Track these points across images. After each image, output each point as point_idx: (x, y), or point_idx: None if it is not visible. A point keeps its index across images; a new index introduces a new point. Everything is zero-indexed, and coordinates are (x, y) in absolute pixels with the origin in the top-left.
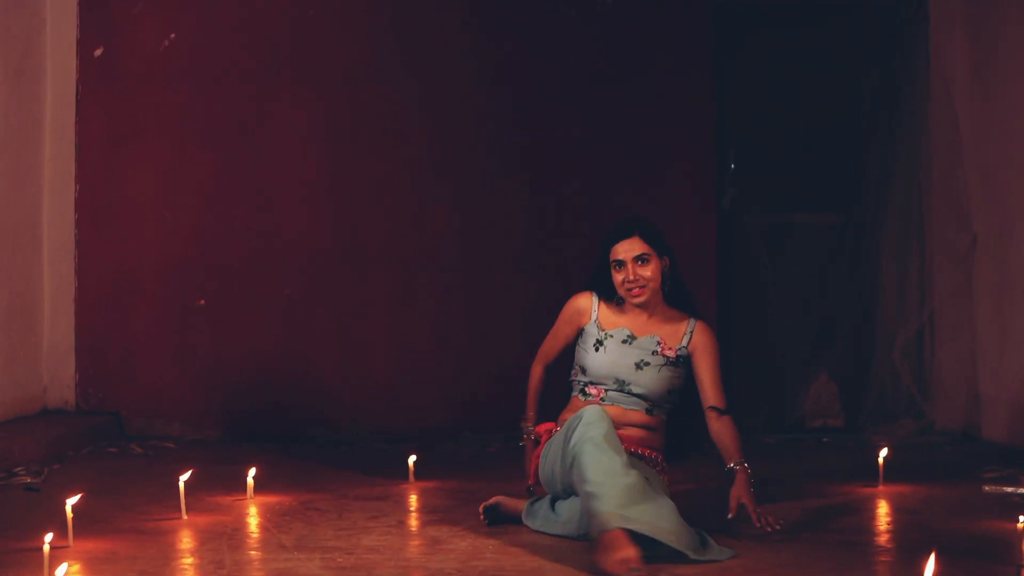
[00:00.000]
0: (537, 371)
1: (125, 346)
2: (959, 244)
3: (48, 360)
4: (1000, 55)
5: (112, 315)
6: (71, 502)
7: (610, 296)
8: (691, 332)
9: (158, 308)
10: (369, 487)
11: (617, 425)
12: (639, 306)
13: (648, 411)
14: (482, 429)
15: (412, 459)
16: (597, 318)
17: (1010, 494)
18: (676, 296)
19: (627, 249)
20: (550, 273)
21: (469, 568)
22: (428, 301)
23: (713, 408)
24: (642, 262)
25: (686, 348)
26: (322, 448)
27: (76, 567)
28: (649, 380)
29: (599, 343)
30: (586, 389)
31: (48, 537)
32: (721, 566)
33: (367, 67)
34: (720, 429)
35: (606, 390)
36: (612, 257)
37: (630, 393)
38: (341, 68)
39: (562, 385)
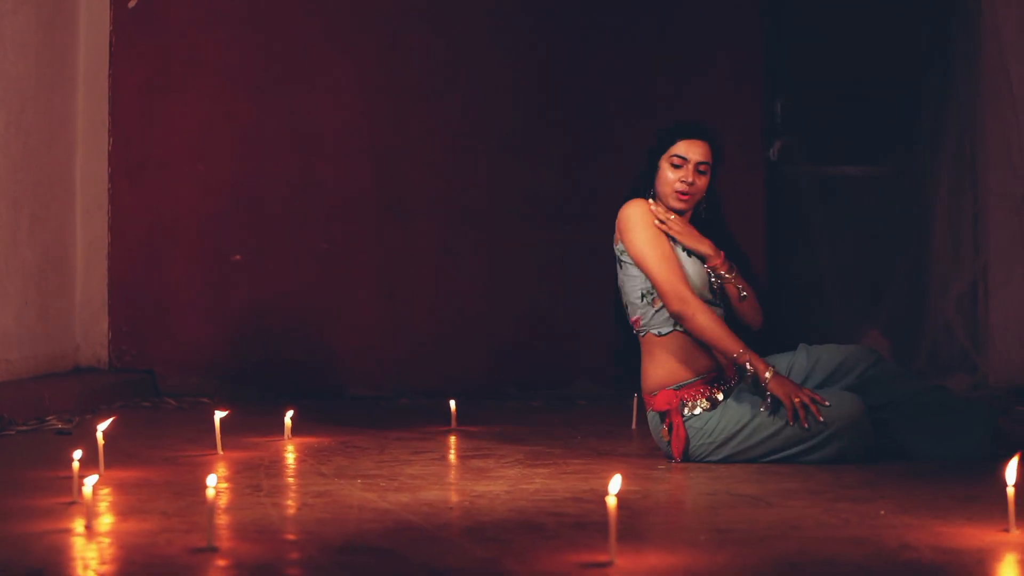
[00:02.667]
0: (702, 305)
1: (160, 302)
2: (1013, 196)
3: (81, 316)
4: None
5: (146, 270)
6: (102, 427)
7: (647, 197)
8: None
9: (193, 263)
10: (410, 430)
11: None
12: (678, 214)
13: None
14: (526, 386)
15: (453, 403)
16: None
17: None
18: (711, 228)
19: (693, 151)
20: (594, 225)
21: (518, 490)
22: (469, 253)
23: None
24: (700, 172)
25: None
26: (361, 403)
27: (106, 490)
28: (720, 299)
29: (683, 249)
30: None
31: (77, 454)
32: (784, 487)
33: (408, 12)
34: None
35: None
36: (672, 152)
37: (718, 304)
38: (382, 13)
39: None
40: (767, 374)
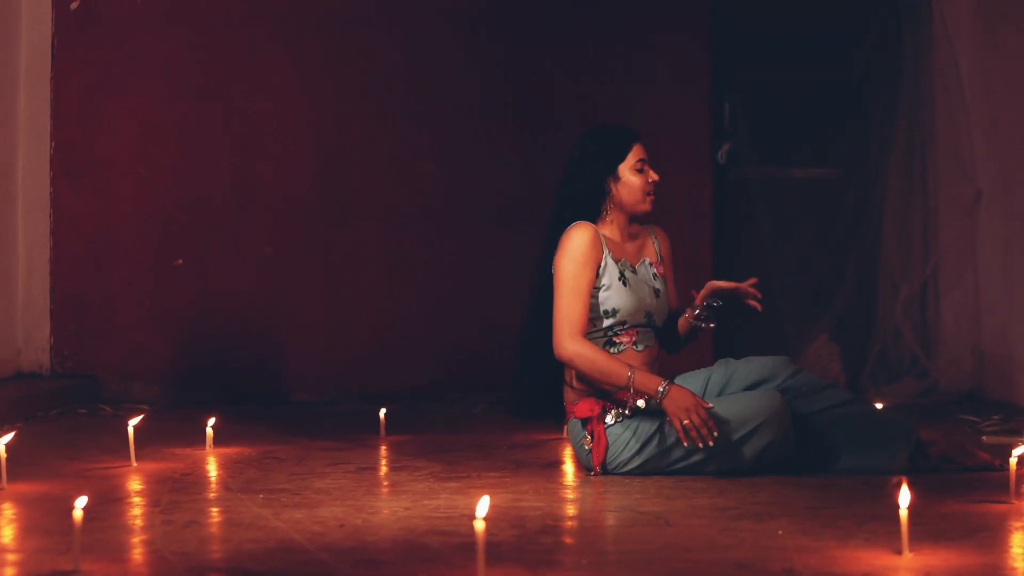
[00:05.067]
0: (583, 346)
1: (102, 306)
2: (964, 197)
3: (23, 321)
4: None
5: (88, 274)
6: (4, 440)
7: (595, 219)
8: (656, 239)
9: (136, 266)
10: (337, 440)
11: (651, 367)
12: (638, 219)
13: (657, 340)
14: (470, 389)
15: (383, 412)
16: (607, 248)
17: (1009, 444)
18: None
19: (642, 151)
20: (541, 228)
21: (419, 507)
22: (415, 256)
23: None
24: (652, 168)
25: (662, 257)
26: (304, 408)
27: (6, 505)
28: (664, 307)
29: (622, 275)
30: (615, 338)
31: None
32: (691, 504)
33: (352, 13)
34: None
35: (638, 331)
36: (631, 159)
37: (653, 327)
38: (326, 14)
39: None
40: (660, 388)
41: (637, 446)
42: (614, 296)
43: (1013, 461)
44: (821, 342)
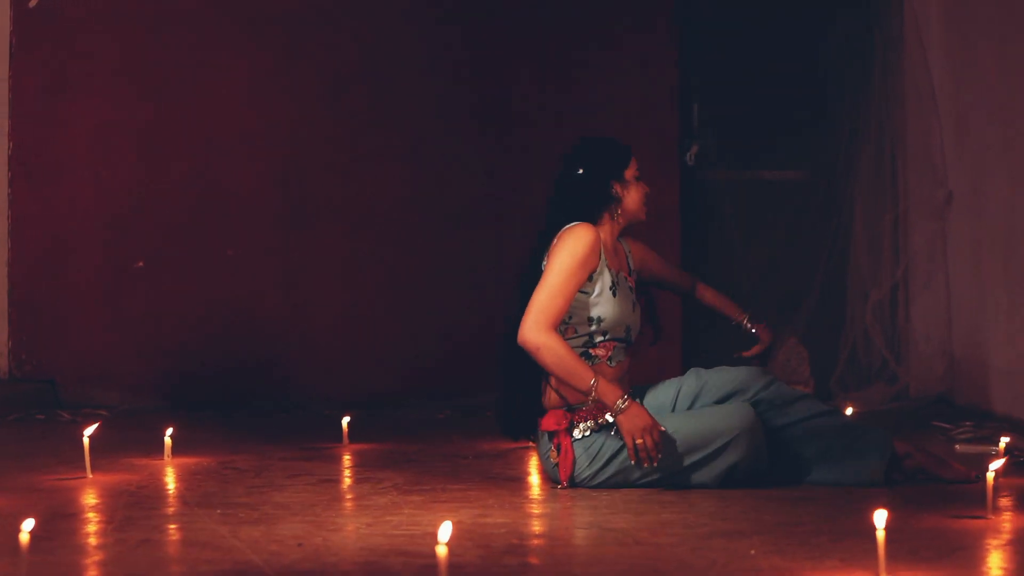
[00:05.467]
0: (553, 339)
1: (60, 309)
2: (934, 199)
3: None
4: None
5: (47, 277)
6: None
7: (595, 222)
8: (628, 251)
9: (95, 269)
10: (298, 449)
11: (620, 383)
12: (626, 230)
13: (629, 355)
14: (433, 394)
15: (346, 420)
16: (604, 255)
17: (982, 453)
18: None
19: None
20: (504, 232)
21: (381, 523)
22: (375, 259)
23: (692, 277)
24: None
25: (636, 271)
26: (264, 414)
27: None
28: (639, 322)
29: (614, 285)
30: (591, 350)
31: None
32: (660, 519)
33: (311, 12)
34: (712, 292)
35: (615, 345)
36: (632, 168)
37: (628, 342)
38: (285, 13)
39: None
40: (619, 402)
41: (603, 460)
42: (603, 305)
43: (991, 476)
44: (790, 346)
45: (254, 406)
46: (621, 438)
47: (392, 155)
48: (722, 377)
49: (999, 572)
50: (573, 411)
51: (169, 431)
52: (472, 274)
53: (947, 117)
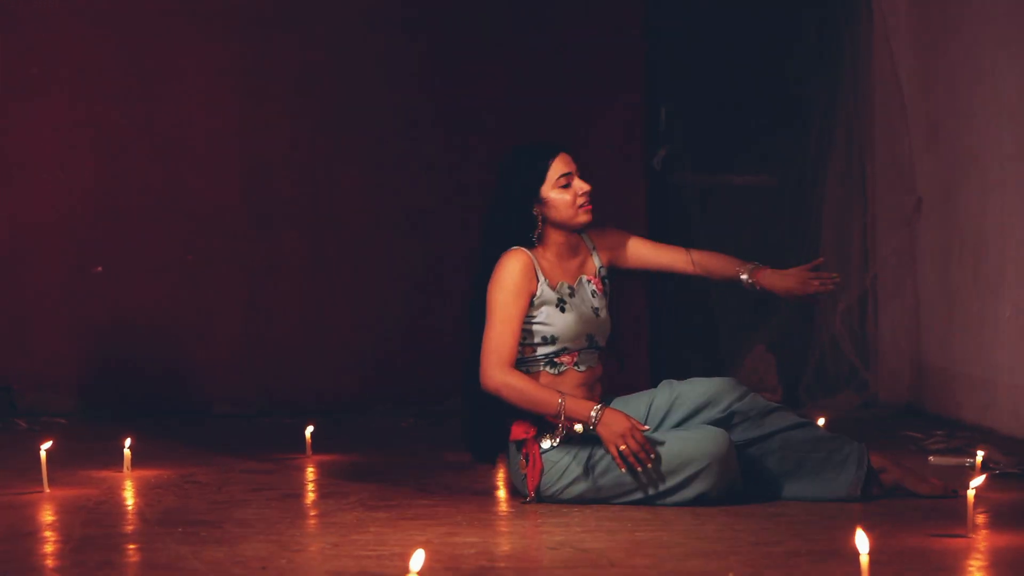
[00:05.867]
0: (511, 376)
1: (18, 314)
2: (903, 205)
3: None
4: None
5: (4, 281)
6: None
7: (529, 245)
8: (593, 247)
9: (53, 273)
10: (260, 461)
11: (592, 387)
12: (578, 229)
13: (601, 360)
14: (397, 402)
15: (309, 430)
16: (542, 275)
17: (956, 466)
18: None
19: (565, 162)
20: (467, 235)
21: (347, 543)
22: (338, 263)
23: (685, 249)
24: (581, 176)
25: (604, 267)
26: (225, 422)
27: None
28: (605, 324)
29: (561, 302)
30: (555, 360)
31: None
32: (634, 539)
33: (275, 14)
34: (707, 257)
35: (579, 352)
36: (551, 177)
37: (596, 347)
38: (248, 15)
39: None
40: (592, 413)
41: (573, 476)
42: (553, 324)
43: (971, 494)
44: (758, 353)
45: (215, 413)
46: (592, 451)
47: (355, 159)
48: (695, 389)
49: None
50: (541, 421)
51: (128, 442)
52: (433, 278)
53: (917, 124)
